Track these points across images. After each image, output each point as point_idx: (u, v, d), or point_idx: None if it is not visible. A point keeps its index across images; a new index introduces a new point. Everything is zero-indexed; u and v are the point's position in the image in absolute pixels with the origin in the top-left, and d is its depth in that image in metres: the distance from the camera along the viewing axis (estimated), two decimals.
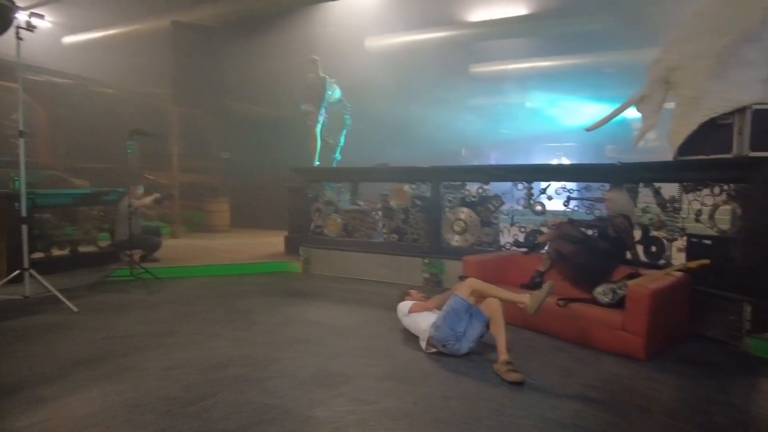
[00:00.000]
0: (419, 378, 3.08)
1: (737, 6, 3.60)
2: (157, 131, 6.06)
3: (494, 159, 15.49)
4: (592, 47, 11.37)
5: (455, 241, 5.75)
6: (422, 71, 11.75)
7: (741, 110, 3.52)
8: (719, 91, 3.59)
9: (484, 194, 5.65)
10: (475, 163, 14.29)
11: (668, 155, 4.25)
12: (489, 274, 4.09)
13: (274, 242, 8.34)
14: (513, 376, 2.98)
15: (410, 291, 4.16)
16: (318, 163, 7.63)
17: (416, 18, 10.87)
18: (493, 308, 3.33)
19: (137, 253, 6.22)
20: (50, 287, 4.48)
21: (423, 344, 3.54)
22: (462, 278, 3.82)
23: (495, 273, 4.48)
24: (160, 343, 3.67)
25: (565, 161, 14.36)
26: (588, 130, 5.00)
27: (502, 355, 3.14)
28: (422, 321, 3.62)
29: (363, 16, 10.80)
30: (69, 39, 11.38)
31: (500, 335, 3.23)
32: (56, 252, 6.09)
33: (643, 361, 3.35)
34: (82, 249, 6.42)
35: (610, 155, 12.73)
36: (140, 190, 6.37)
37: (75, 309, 4.40)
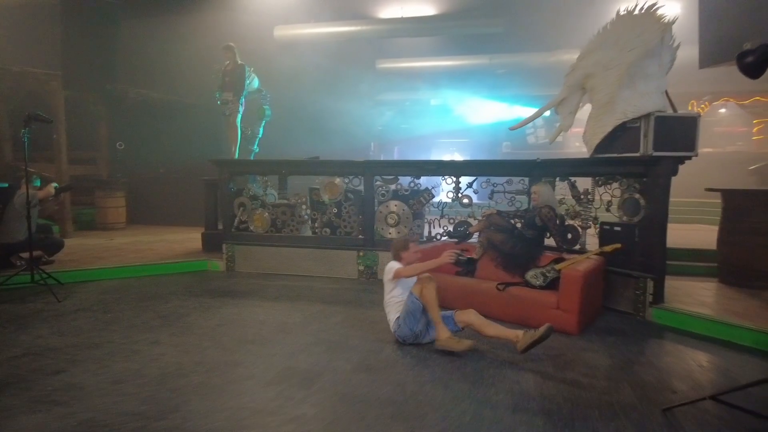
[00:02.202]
0: (388, 367, 3.17)
1: (640, 25, 4.18)
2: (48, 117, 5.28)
3: (397, 153, 16.01)
4: (488, 49, 12.25)
5: (389, 233, 5.89)
6: (335, 64, 11.70)
7: (646, 116, 4.13)
8: (629, 99, 4.16)
9: (416, 188, 5.87)
10: (382, 157, 14.66)
11: (557, 152, 4.79)
12: None
13: (185, 239, 7.82)
14: (540, 331, 3.20)
15: (409, 245, 3.74)
16: (238, 155, 7.27)
17: (329, 10, 10.81)
18: (470, 320, 3.49)
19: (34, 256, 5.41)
20: None
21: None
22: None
23: None
24: (95, 355, 3.31)
25: (458, 157, 15.37)
26: (512, 129, 5.43)
27: (515, 336, 3.31)
28: (391, 307, 3.69)
29: (276, 4, 10.47)
30: None
31: (498, 330, 3.40)
32: None
33: (575, 336, 3.80)
34: None
35: (506, 151, 13.86)
36: (36, 183, 5.56)
37: None
